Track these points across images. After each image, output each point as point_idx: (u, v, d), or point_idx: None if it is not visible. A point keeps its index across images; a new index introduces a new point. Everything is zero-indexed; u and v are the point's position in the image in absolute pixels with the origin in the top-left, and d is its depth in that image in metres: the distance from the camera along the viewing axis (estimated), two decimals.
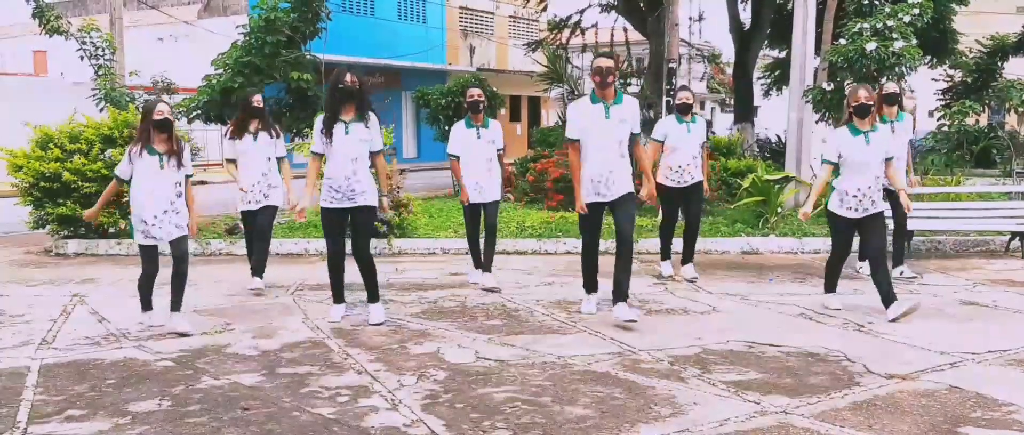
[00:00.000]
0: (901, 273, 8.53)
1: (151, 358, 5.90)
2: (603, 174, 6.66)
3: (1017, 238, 10.18)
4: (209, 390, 5.21)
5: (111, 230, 11.04)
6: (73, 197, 10.49)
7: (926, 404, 4.86)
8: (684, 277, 8.59)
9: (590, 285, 7.12)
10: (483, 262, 8.38)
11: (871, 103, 6.94)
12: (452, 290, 8.18)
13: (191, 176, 6.69)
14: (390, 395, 5.08)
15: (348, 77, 6.59)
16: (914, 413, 4.71)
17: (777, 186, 11.94)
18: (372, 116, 6.74)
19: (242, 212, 8.30)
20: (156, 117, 6.37)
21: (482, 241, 8.39)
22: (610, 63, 6.70)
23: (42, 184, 10.55)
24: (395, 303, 7.62)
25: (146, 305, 6.73)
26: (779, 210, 11.64)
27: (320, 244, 10.67)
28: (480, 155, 8.16)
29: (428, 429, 4.53)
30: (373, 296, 6.90)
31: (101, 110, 12.79)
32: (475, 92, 8.31)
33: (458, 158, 8.22)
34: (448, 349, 6.06)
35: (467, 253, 10.33)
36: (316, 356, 5.93)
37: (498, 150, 8.30)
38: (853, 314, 7.04)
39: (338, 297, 7.03)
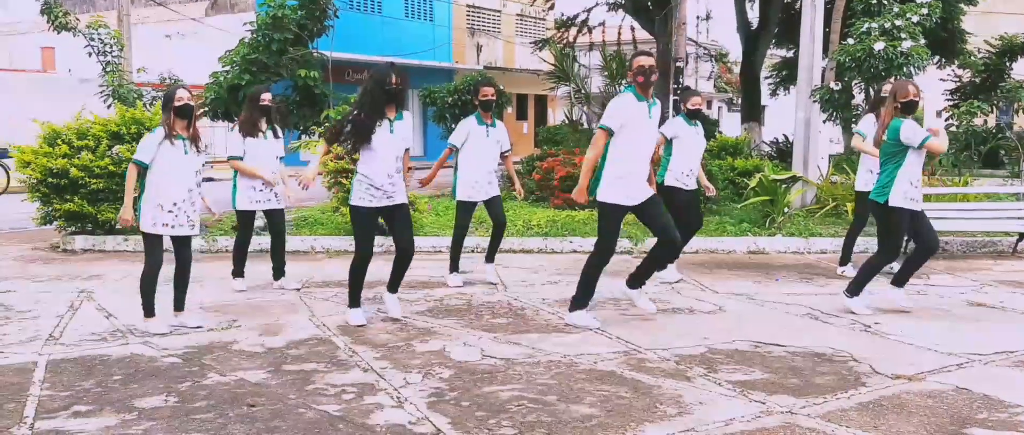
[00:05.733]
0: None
1: (157, 354, 5.92)
2: (637, 174, 6.57)
3: None
4: (215, 387, 5.22)
5: (118, 226, 11.06)
6: (80, 193, 10.52)
7: (932, 405, 4.84)
8: (668, 280, 8.52)
9: (587, 302, 6.81)
10: (488, 254, 8.47)
11: (918, 99, 6.95)
12: (458, 288, 8.18)
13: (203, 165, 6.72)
14: (396, 393, 5.08)
15: (392, 78, 6.51)
16: (920, 414, 4.70)
17: (784, 186, 11.92)
18: (407, 113, 6.76)
19: (240, 211, 8.10)
20: (177, 103, 6.38)
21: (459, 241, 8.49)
22: (652, 61, 6.55)
23: (50, 180, 10.57)
24: (401, 301, 7.62)
25: (149, 310, 6.54)
26: (786, 210, 11.62)
27: (326, 241, 10.70)
28: (488, 154, 8.18)
29: (434, 427, 4.53)
30: (396, 287, 6.96)
31: (109, 107, 12.82)
32: (489, 91, 8.32)
33: (457, 148, 8.22)
34: (454, 347, 6.06)
35: (473, 251, 10.35)
36: (322, 353, 5.94)
37: (504, 152, 8.34)
38: (860, 314, 7.02)
39: (357, 301, 6.81)
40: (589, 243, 10.56)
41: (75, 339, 6.34)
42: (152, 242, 6.48)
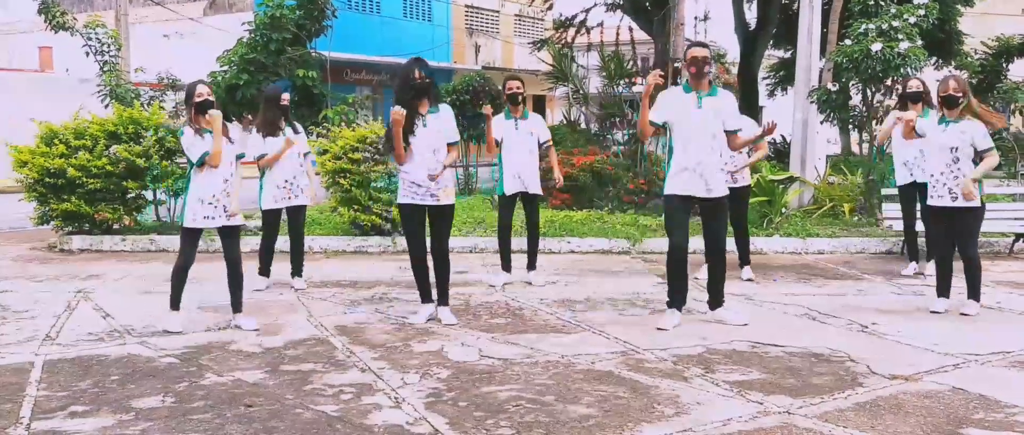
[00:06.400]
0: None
1: (154, 355, 5.92)
2: (693, 166, 6.48)
3: (1022, 240, 10.16)
4: (212, 387, 5.21)
5: (115, 226, 11.06)
6: (78, 193, 10.51)
7: (929, 405, 4.85)
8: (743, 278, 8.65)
9: (678, 298, 6.69)
10: (528, 261, 8.45)
11: (959, 94, 6.89)
12: (456, 288, 8.16)
13: (243, 156, 6.74)
14: (393, 393, 5.08)
15: (416, 72, 6.51)
16: (917, 414, 4.70)
17: (781, 186, 11.93)
18: (445, 106, 6.73)
19: (266, 210, 8.11)
20: (197, 99, 6.42)
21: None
22: (705, 53, 6.52)
23: (47, 180, 10.57)
24: (399, 301, 7.63)
25: (175, 303, 6.57)
26: (783, 210, 11.63)
27: (324, 241, 10.69)
28: (520, 146, 8.15)
29: (431, 427, 4.53)
30: (445, 298, 6.86)
31: (106, 106, 12.82)
32: (514, 84, 8.29)
33: (499, 142, 8.17)
34: (452, 347, 6.06)
35: (472, 251, 10.35)
36: (320, 354, 5.94)
37: (542, 143, 8.27)
38: (857, 314, 7.03)
39: (426, 296, 6.80)
40: (586, 243, 10.59)
41: (72, 339, 6.34)
42: (188, 238, 6.53)
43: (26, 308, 7.38)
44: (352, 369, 5.58)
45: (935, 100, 7.27)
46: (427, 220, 6.79)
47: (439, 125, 6.60)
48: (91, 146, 10.60)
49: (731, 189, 8.16)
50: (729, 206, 8.21)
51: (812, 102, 12.47)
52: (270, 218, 8.17)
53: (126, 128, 10.85)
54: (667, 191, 6.62)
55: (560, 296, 7.83)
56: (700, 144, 6.49)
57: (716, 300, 6.83)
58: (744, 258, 8.75)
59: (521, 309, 7.32)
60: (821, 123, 12.95)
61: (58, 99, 14.48)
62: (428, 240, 6.79)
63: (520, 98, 8.23)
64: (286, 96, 8.14)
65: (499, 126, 8.17)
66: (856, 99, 12.44)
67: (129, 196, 10.96)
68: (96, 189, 10.51)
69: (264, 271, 8.23)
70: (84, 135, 10.73)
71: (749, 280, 8.56)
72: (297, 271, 8.27)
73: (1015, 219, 10.06)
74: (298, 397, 5.02)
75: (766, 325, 6.72)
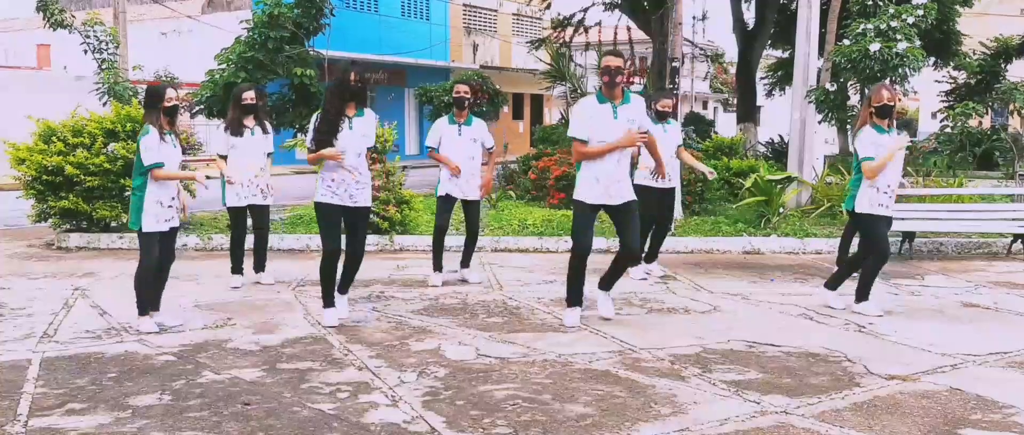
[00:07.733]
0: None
1: (152, 352, 5.91)
2: (610, 175, 6.49)
3: (1019, 240, 10.18)
4: (209, 385, 5.21)
5: (113, 224, 11.05)
6: (75, 191, 10.50)
7: (926, 405, 4.86)
8: (655, 276, 8.68)
9: (576, 296, 6.75)
10: (463, 259, 8.50)
11: (893, 103, 6.89)
12: (453, 287, 8.18)
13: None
14: (390, 391, 5.08)
15: (352, 75, 6.54)
16: (914, 414, 4.71)
17: (779, 186, 11.94)
18: (369, 110, 6.73)
19: (231, 208, 8.14)
20: (167, 103, 6.39)
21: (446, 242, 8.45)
22: (619, 62, 6.54)
23: (44, 177, 10.55)
24: (396, 300, 7.63)
25: (145, 307, 6.48)
26: (781, 210, 11.63)
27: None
28: (461, 152, 8.14)
29: (428, 426, 4.53)
30: (346, 288, 6.89)
31: (104, 104, 12.81)
32: (462, 88, 8.34)
33: (435, 150, 8.22)
34: (449, 346, 6.06)
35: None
36: (317, 352, 5.94)
37: (487, 149, 8.30)
38: (854, 314, 7.04)
39: (330, 300, 6.74)
40: None
41: (69, 337, 6.33)
42: (151, 240, 6.45)
43: (23, 305, 7.37)
44: (349, 367, 5.58)
45: (864, 111, 7.16)
46: (343, 223, 6.71)
47: (364, 129, 6.60)
48: (89, 144, 10.59)
49: (661, 190, 8.29)
50: (663, 205, 8.61)
51: (810, 102, 12.48)
52: (235, 215, 8.21)
53: (124, 126, 10.83)
54: (578, 196, 6.58)
55: (557, 295, 7.83)
56: (611, 155, 6.49)
57: (608, 286, 6.87)
58: (654, 255, 8.79)
59: (518, 308, 7.33)
60: (819, 123, 12.96)
61: (56, 97, 14.48)
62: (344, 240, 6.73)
63: (466, 103, 8.22)
64: (249, 95, 8.12)
65: (438, 130, 8.20)
66: (854, 99, 12.44)
67: (127, 194, 10.94)
68: (94, 187, 10.50)
69: (236, 269, 8.23)
70: (82, 133, 10.71)
71: (644, 279, 8.53)
72: (260, 267, 8.32)
73: (1013, 220, 10.07)
74: (295, 395, 5.01)
75: (763, 325, 6.73)
